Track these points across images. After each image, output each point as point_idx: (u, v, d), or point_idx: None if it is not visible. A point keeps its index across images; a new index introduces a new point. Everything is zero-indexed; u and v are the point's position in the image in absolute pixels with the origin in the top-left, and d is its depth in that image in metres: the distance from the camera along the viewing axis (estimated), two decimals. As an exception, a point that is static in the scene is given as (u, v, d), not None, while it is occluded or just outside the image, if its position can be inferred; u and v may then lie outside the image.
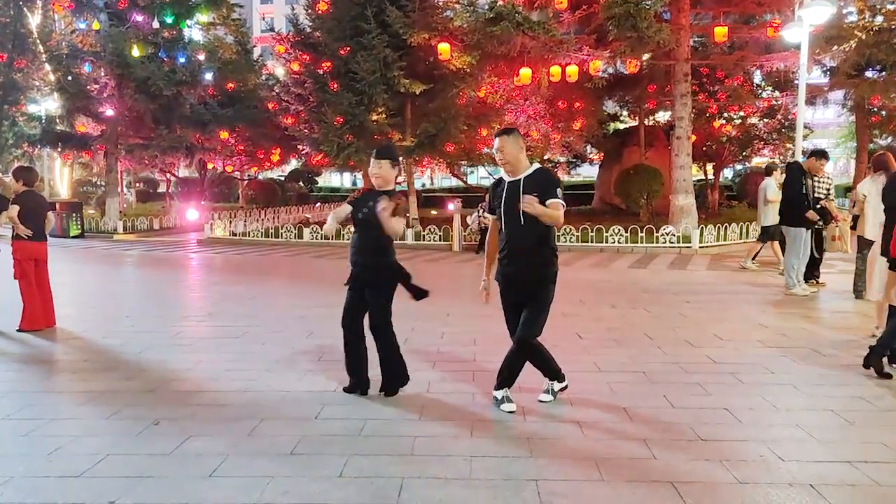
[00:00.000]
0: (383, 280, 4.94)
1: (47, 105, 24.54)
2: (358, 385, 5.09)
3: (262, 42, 38.02)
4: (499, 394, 4.77)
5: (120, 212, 24.29)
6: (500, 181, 4.69)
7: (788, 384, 5.32)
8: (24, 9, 30.64)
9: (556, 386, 4.92)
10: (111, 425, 4.45)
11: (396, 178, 5.16)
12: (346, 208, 5.03)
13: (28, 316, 7.44)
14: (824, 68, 21.12)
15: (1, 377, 5.59)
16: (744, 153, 25.40)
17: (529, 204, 4.27)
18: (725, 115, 23.83)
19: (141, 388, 5.26)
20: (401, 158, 4.90)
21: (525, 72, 16.79)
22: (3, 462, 3.84)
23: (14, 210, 7.33)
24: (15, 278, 7.48)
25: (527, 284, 4.54)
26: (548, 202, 4.38)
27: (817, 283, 10.27)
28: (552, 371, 4.85)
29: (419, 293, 5.02)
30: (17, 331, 7.30)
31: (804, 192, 9.29)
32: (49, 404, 4.93)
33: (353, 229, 5.06)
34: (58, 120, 23.43)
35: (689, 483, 3.55)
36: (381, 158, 4.98)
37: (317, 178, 40.79)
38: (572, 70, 16.59)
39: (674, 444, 4.08)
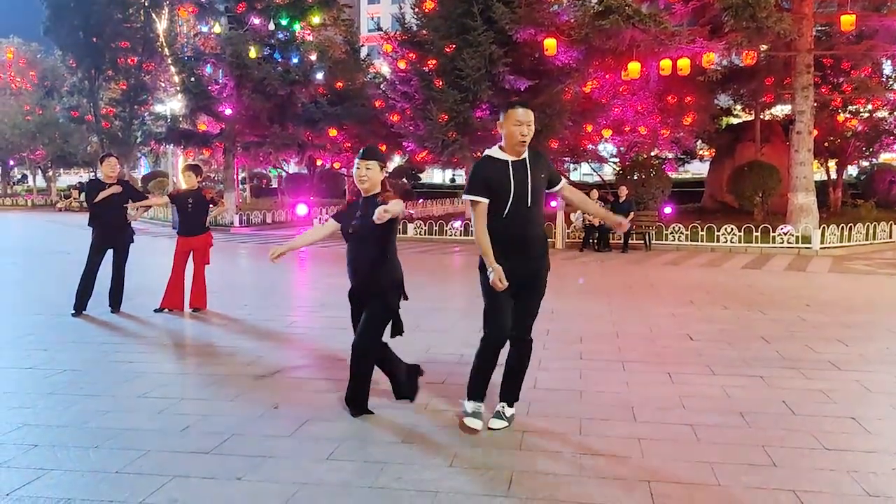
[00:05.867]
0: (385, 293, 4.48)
1: (172, 105, 26.18)
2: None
3: (369, 41, 39.02)
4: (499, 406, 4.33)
5: (236, 206, 25.54)
6: (493, 159, 4.15)
7: (923, 395, 4.97)
8: (153, 14, 32.86)
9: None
10: (235, 407, 4.71)
11: (384, 182, 4.50)
12: (330, 225, 4.59)
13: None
14: (965, 56, 19.50)
15: (137, 358, 6.02)
16: (871, 149, 23.80)
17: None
18: (851, 108, 22.41)
19: (261, 374, 5.54)
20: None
21: (634, 66, 16.35)
22: (140, 436, 4.15)
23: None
24: (208, 263, 8.32)
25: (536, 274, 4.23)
26: (562, 187, 4.30)
27: None
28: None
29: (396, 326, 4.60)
30: (192, 311, 8.08)
31: None
32: (180, 385, 5.29)
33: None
34: (181, 119, 24.89)
35: (812, 493, 3.40)
36: (369, 159, 4.36)
37: (420, 175, 41.35)
38: (684, 63, 16.04)
39: (796, 452, 3.91)
